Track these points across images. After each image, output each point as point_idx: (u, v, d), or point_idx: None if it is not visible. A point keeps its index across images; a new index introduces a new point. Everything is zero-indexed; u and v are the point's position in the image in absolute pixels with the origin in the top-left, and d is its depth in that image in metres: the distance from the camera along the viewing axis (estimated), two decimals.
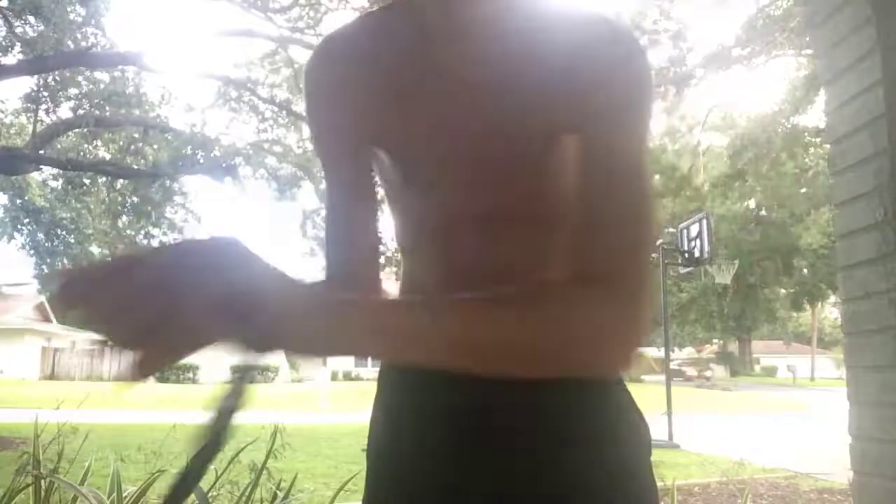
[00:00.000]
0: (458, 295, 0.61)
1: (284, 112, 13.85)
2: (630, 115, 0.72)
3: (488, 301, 0.60)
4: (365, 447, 0.89)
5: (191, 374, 32.34)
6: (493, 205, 0.78)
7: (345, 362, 34.88)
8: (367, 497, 0.84)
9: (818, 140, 18.40)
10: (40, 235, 15.76)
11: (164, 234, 15.28)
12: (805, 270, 34.76)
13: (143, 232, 15.17)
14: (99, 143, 14.47)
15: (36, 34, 11.32)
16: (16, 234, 15.73)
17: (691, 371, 38.34)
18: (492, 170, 0.77)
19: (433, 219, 0.83)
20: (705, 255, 11.24)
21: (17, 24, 11.68)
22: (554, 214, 0.78)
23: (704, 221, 11.15)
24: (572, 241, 0.69)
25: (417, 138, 0.79)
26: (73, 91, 13.26)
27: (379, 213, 0.88)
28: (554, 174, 0.76)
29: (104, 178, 13.97)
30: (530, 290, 0.63)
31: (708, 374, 38.82)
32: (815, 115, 17.40)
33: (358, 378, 32.51)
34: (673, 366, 37.62)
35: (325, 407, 16.65)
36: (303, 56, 12.16)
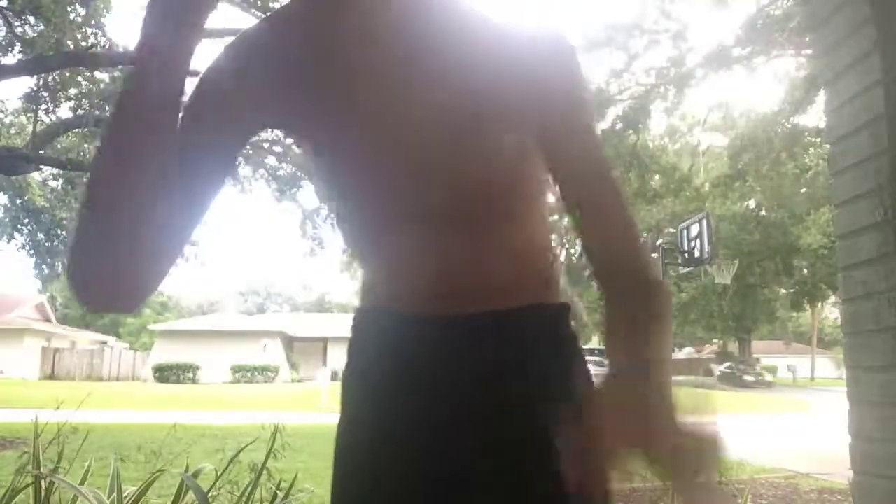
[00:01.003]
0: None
1: None
2: (577, 105, 0.79)
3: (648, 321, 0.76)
4: None
5: (191, 375, 32.37)
6: (437, 201, 0.78)
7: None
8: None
9: (818, 140, 18.38)
10: (40, 235, 15.75)
11: None
12: (805, 270, 34.72)
13: None
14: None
15: (36, 34, 11.30)
16: (16, 234, 15.72)
17: (749, 377, 34.53)
18: (437, 165, 0.77)
19: (379, 217, 0.81)
20: (705, 255, 11.26)
21: (17, 24, 11.67)
22: (504, 209, 0.79)
23: (704, 221, 11.17)
24: (591, 245, 0.81)
25: (360, 132, 0.78)
26: (73, 91, 13.24)
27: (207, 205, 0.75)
28: (505, 169, 0.77)
29: None
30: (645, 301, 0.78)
31: (769, 378, 35.81)
32: (815, 115, 17.40)
33: None
34: (723, 369, 36.03)
35: (326, 407, 16.65)
36: None
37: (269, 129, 0.83)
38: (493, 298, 0.80)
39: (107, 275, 0.67)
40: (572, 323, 0.87)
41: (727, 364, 37.25)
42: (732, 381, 33.86)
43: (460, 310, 0.79)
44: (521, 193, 0.81)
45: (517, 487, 0.76)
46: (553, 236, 0.90)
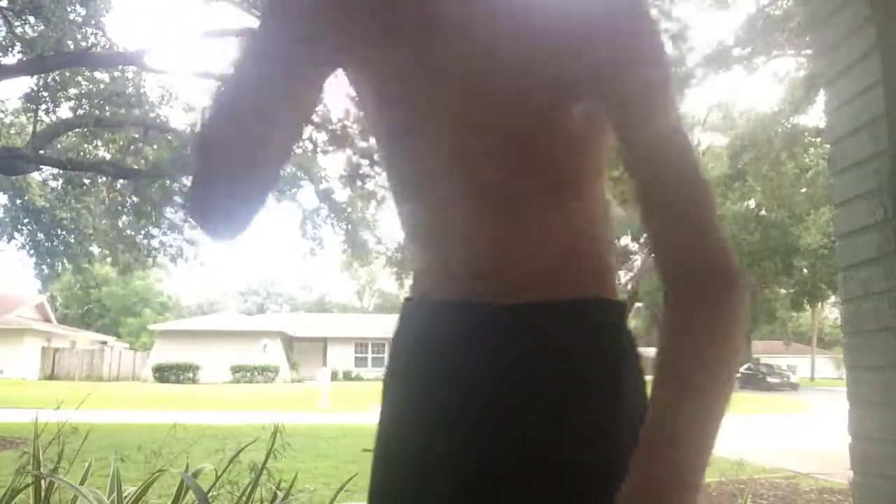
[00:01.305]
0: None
1: None
2: (639, 72, 0.72)
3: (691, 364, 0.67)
4: (366, 448, 0.87)
5: (191, 375, 32.37)
6: (487, 178, 0.74)
7: (345, 362, 34.87)
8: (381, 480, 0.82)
9: (818, 140, 18.40)
10: (40, 235, 15.71)
11: (165, 233, 15.20)
12: (805, 270, 34.71)
13: (143, 232, 15.12)
14: (99, 143, 14.44)
15: (36, 34, 11.30)
16: (16, 234, 15.69)
17: (774, 378, 33.76)
18: (487, 141, 0.74)
19: (427, 193, 0.78)
20: None
21: (17, 24, 11.67)
22: (557, 191, 0.75)
23: None
24: (655, 227, 0.71)
25: (428, 95, 0.75)
26: (73, 91, 13.23)
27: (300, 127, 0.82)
28: (571, 137, 0.73)
29: (104, 178, 13.96)
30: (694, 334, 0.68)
31: (794, 379, 35.15)
32: (815, 115, 17.42)
33: (358, 378, 32.53)
34: (743, 370, 34.97)
35: (325, 407, 16.65)
36: None
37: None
38: (531, 289, 0.74)
39: (226, 198, 0.75)
40: (626, 322, 0.79)
41: (747, 365, 35.67)
42: (755, 382, 32.68)
43: (500, 299, 0.74)
44: (577, 175, 0.75)
45: (551, 485, 0.72)
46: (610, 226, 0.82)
